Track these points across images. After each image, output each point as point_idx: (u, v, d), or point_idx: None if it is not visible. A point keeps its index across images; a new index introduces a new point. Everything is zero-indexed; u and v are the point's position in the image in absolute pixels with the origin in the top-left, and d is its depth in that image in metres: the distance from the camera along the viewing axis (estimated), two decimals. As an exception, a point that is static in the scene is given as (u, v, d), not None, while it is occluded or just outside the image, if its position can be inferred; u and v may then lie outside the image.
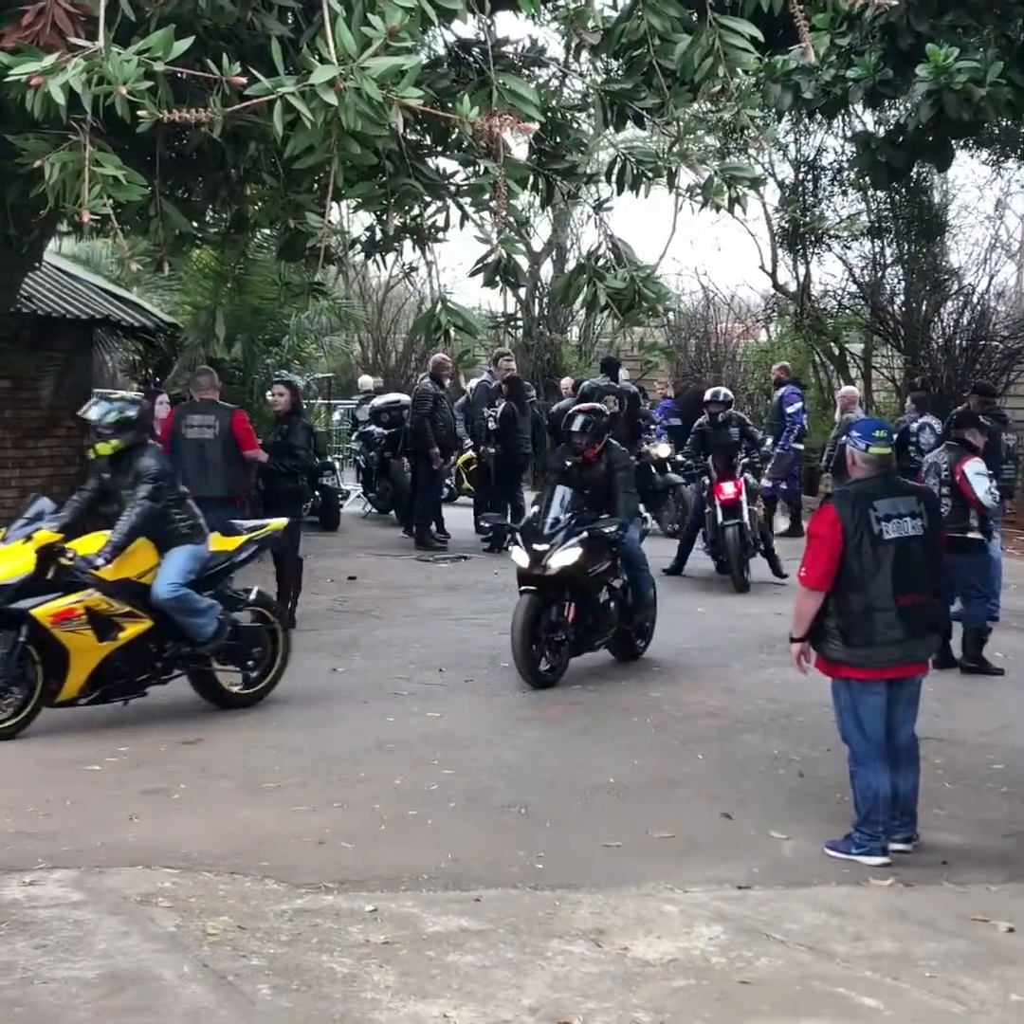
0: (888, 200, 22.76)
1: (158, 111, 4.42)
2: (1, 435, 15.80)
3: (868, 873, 7.17)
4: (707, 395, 16.72)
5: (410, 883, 6.85)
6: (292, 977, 5.58)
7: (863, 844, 7.35)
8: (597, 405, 13.15)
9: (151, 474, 9.45)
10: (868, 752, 7.40)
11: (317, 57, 4.52)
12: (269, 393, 13.60)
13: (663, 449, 18.77)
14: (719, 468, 15.55)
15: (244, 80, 4.51)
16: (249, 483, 12.71)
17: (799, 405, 19.79)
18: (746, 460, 15.92)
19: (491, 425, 18.37)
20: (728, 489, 15.33)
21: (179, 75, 4.52)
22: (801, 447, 19.32)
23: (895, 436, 7.86)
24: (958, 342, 23.14)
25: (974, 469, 11.81)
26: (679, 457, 17.41)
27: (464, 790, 8.35)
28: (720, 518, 15.21)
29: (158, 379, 17.13)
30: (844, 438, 7.83)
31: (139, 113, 4.39)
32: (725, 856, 7.45)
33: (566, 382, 22.23)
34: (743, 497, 15.36)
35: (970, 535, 11.86)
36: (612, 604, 11.64)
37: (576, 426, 11.67)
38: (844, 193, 22.93)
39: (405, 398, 20.29)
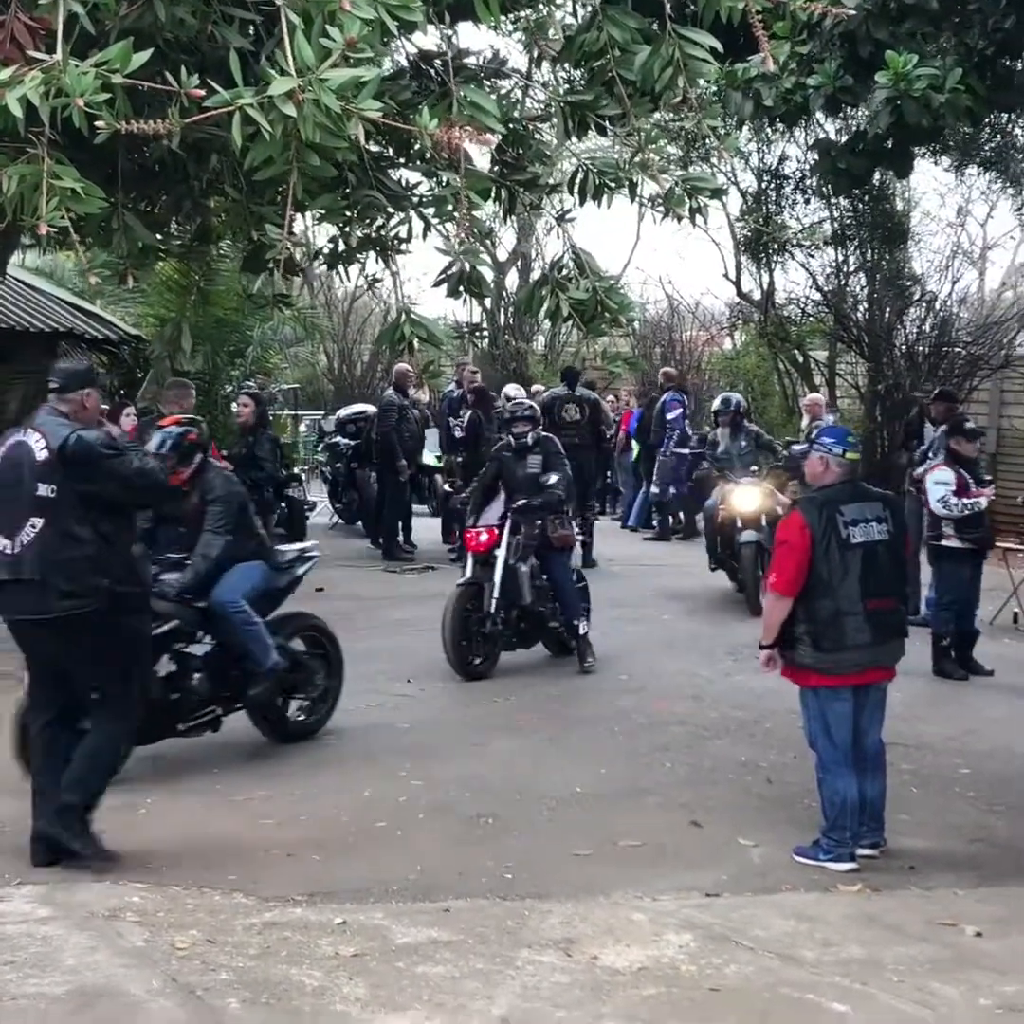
0: (851, 208, 22.85)
1: (115, 123, 4.41)
2: (-34, 449, 15.73)
3: (836, 879, 7.20)
4: (716, 403, 16.53)
5: (379, 895, 6.84)
6: (262, 990, 5.56)
7: (831, 850, 7.36)
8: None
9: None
10: (835, 758, 7.41)
11: (276, 69, 4.52)
12: (234, 405, 13.57)
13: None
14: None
15: (202, 92, 4.50)
16: None
17: (680, 411, 20.19)
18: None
19: (457, 434, 18.37)
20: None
21: (139, 87, 4.51)
22: (686, 452, 19.51)
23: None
24: (921, 349, 23.23)
25: (935, 477, 11.95)
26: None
27: (432, 801, 8.35)
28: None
29: (123, 391, 17.09)
30: (812, 446, 7.83)
31: (97, 124, 4.38)
32: (694, 864, 7.47)
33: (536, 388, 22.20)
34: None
35: (943, 543, 11.95)
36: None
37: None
38: (807, 201, 23.01)
39: (371, 409, 20.29)
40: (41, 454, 6.99)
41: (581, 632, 11.98)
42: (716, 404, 16.14)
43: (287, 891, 6.84)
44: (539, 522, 11.98)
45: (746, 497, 14.48)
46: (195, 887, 6.85)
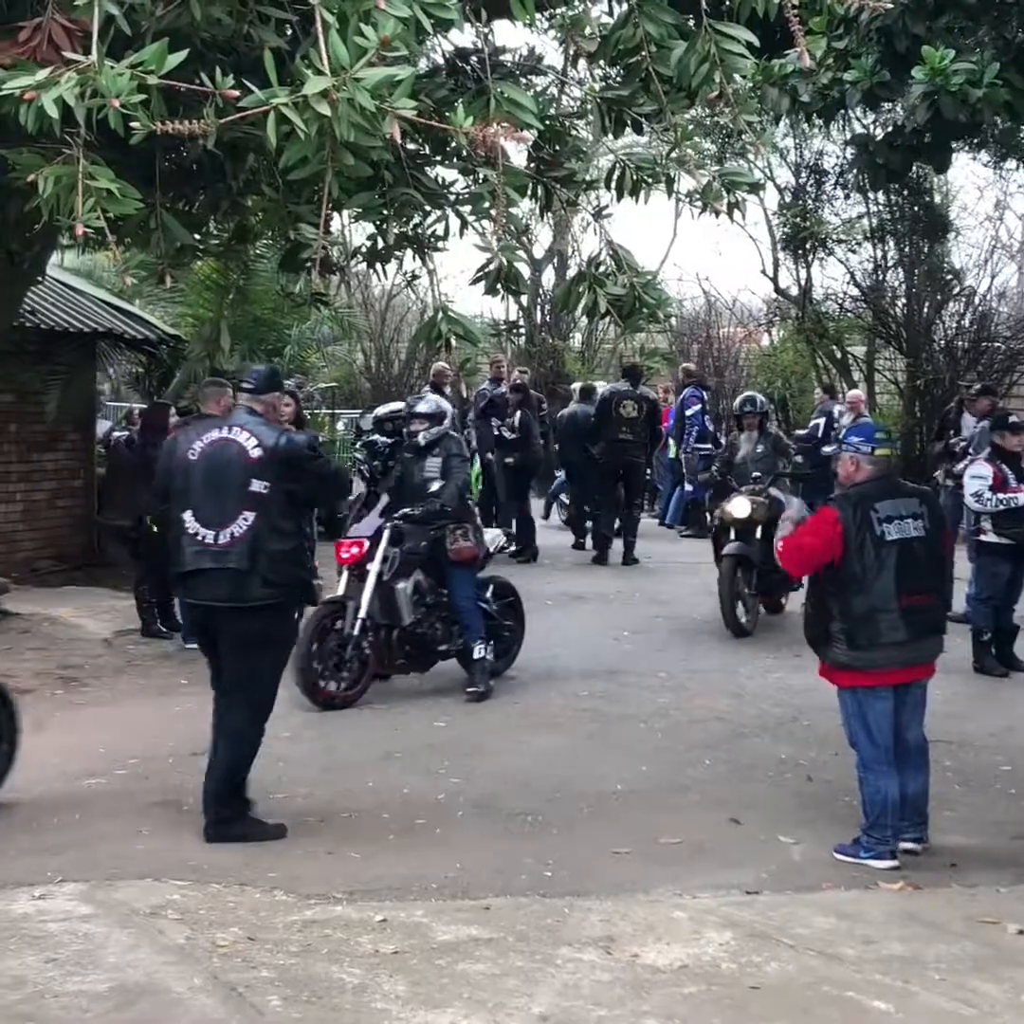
0: (889, 202, 22.76)
1: (151, 123, 4.42)
2: (5, 449, 15.85)
3: (877, 877, 7.16)
4: (737, 403, 16.27)
5: (419, 892, 6.84)
6: (302, 988, 5.57)
7: (872, 848, 7.33)
8: None
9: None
10: (876, 757, 7.37)
11: (311, 69, 4.52)
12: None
13: None
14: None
15: (237, 92, 4.51)
16: None
17: (698, 407, 20.17)
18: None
19: (507, 434, 18.24)
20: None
21: (174, 88, 4.52)
22: (707, 447, 19.51)
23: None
24: (960, 344, 23.13)
25: (972, 472, 11.91)
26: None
27: (472, 798, 8.35)
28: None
29: (163, 391, 17.16)
30: (841, 447, 7.80)
31: (132, 125, 4.40)
32: (733, 861, 7.44)
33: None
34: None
35: (982, 538, 11.91)
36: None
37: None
38: (846, 196, 22.93)
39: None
40: (255, 452, 7.51)
41: (476, 657, 10.87)
42: (737, 405, 15.16)
43: (327, 889, 6.84)
44: (433, 533, 10.90)
45: (739, 505, 13.64)
46: (236, 884, 6.87)
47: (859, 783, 7.49)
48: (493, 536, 11.95)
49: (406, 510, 10.89)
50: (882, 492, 7.46)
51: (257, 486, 7.47)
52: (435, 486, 10.99)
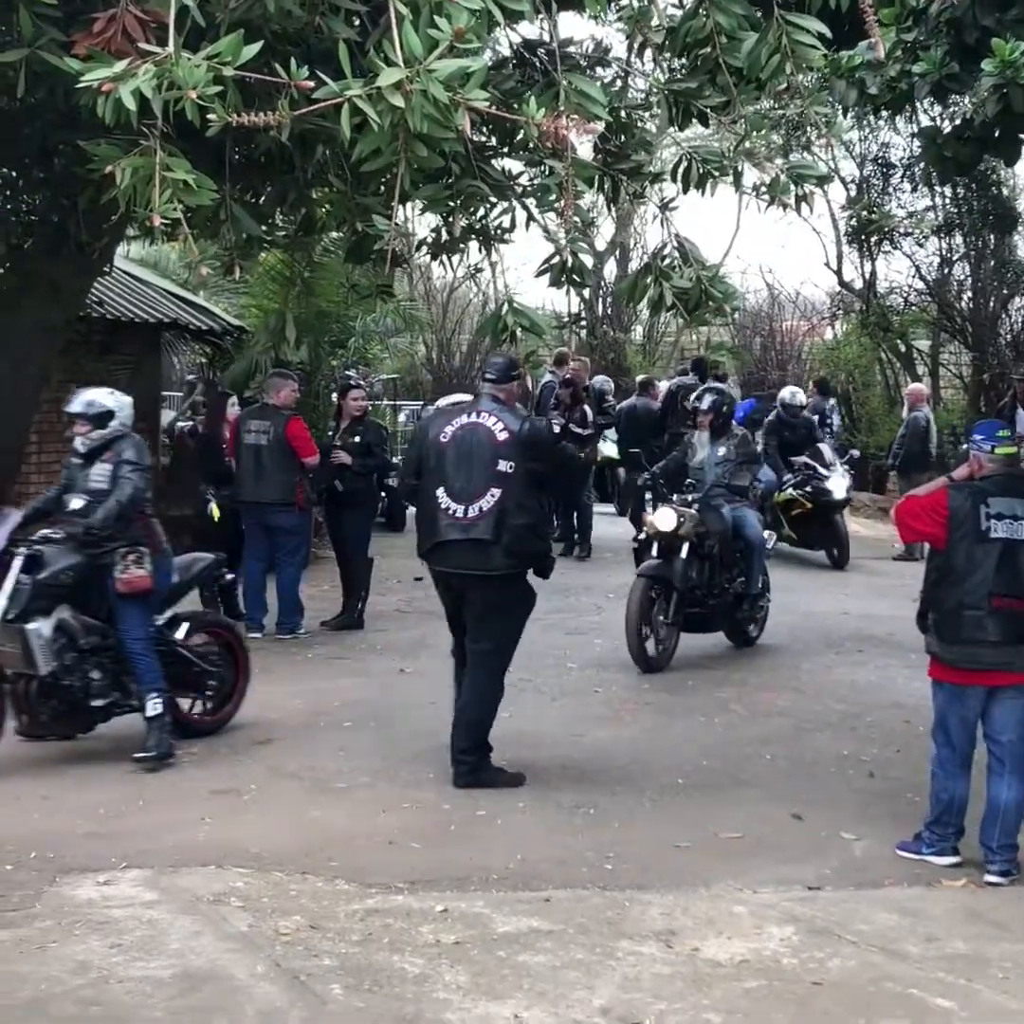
0: (954, 196, 22.60)
1: (227, 115, 4.44)
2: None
3: (940, 874, 7.12)
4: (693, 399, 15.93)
5: (480, 883, 6.85)
6: (364, 977, 5.60)
7: (933, 843, 7.28)
8: None
9: None
10: (949, 758, 7.27)
11: (383, 60, 4.53)
12: (348, 397, 13.60)
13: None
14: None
15: (311, 83, 4.52)
16: (310, 489, 12.73)
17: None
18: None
19: (575, 429, 18.11)
20: None
21: (247, 80, 4.54)
22: None
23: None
24: (1027, 338, 22.97)
25: None
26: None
27: (532, 790, 8.35)
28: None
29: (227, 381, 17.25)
30: (966, 445, 7.67)
31: (209, 117, 4.42)
32: (794, 857, 7.42)
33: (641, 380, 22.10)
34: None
35: None
36: None
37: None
38: (914, 189, 22.77)
39: (469, 399, 20.28)
40: (501, 435, 8.29)
41: (148, 713, 8.62)
42: (692, 401, 13.34)
43: (389, 878, 6.87)
44: (97, 559, 8.62)
45: (664, 517, 11.73)
46: (297, 873, 6.90)
47: (930, 777, 7.40)
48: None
49: (46, 531, 8.74)
50: (999, 487, 7.23)
51: (503, 466, 8.22)
52: (76, 504, 8.79)
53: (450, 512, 8.30)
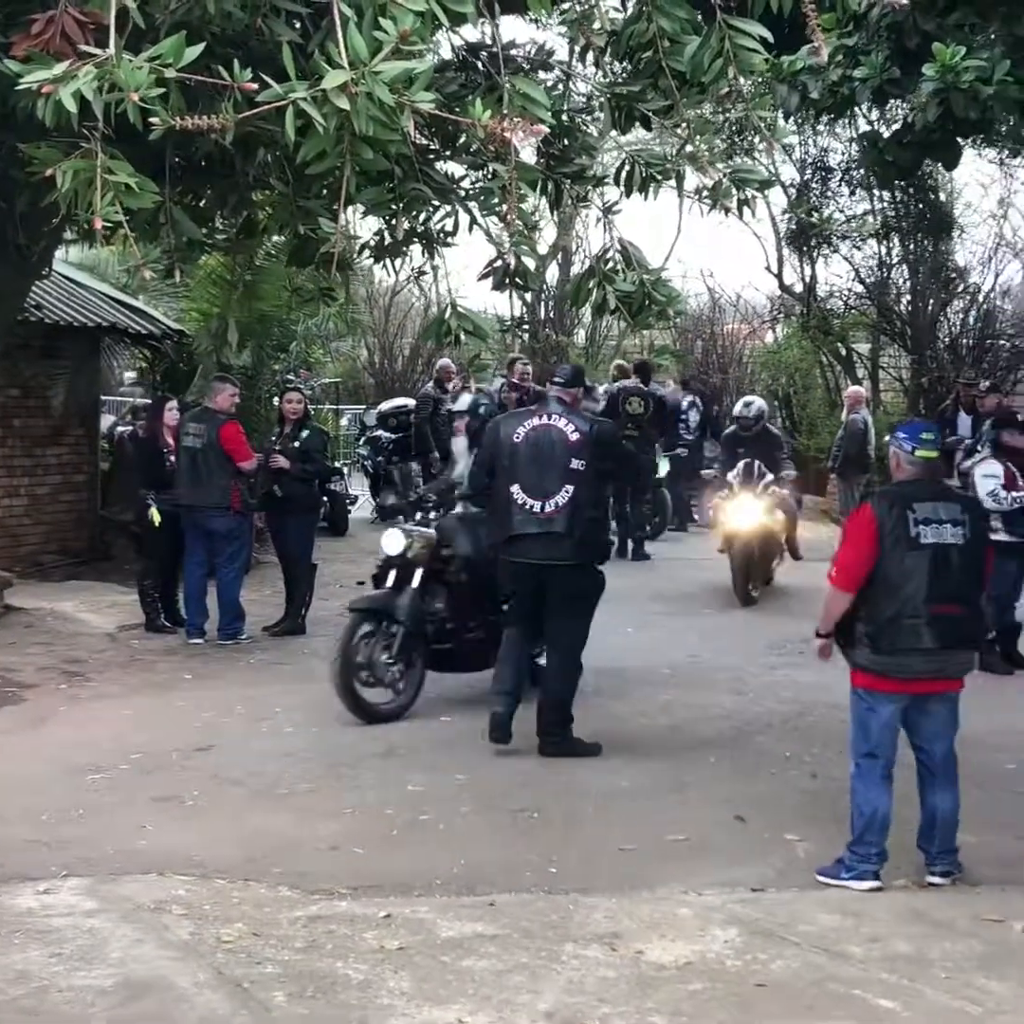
0: (893, 200, 22.76)
1: (170, 118, 4.41)
2: (10, 443, 15.87)
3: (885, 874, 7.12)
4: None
5: (424, 888, 6.84)
6: (307, 984, 5.57)
7: (853, 866, 7.06)
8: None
9: None
10: (872, 769, 7.11)
11: (327, 62, 4.51)
12: (286, 400, 13.58)
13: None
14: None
15: (255, 86, 4.50)
16: (246, 493, 12.66)
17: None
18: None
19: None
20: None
21: (190, 82, 4.51)
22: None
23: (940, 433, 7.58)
24: (965, 341, 23.12)
25: (983, 470, 11.85)
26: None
27: (476, 794, 8.34)
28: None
29: (166, 385, 17.15)
30: (888, 438, 7.60)
31: (151, 120, 4.38)
32: (739, 858, 7.43)
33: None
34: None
35: (993, 537, 11.83)
36: None
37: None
38: (852, 193, 22.92)
39: (411, 403, 20.35)
40: (573, 436, 9.03)
41: None
42: (447, 402, 12.80)
43: (332, 884, 6.85)
44: None
45: (391, 540, 10.34)
46: (240, 880, 6.87)
47: (851, 793, 7.22)
48: None
49: None
50: (923, 493, 7.13)
51: (576, 464, 8.98)
52: None
53: (526, 507, 9.02)
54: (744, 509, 14.61)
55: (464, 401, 11.80)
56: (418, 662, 10.13)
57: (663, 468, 18.95)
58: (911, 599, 6.97)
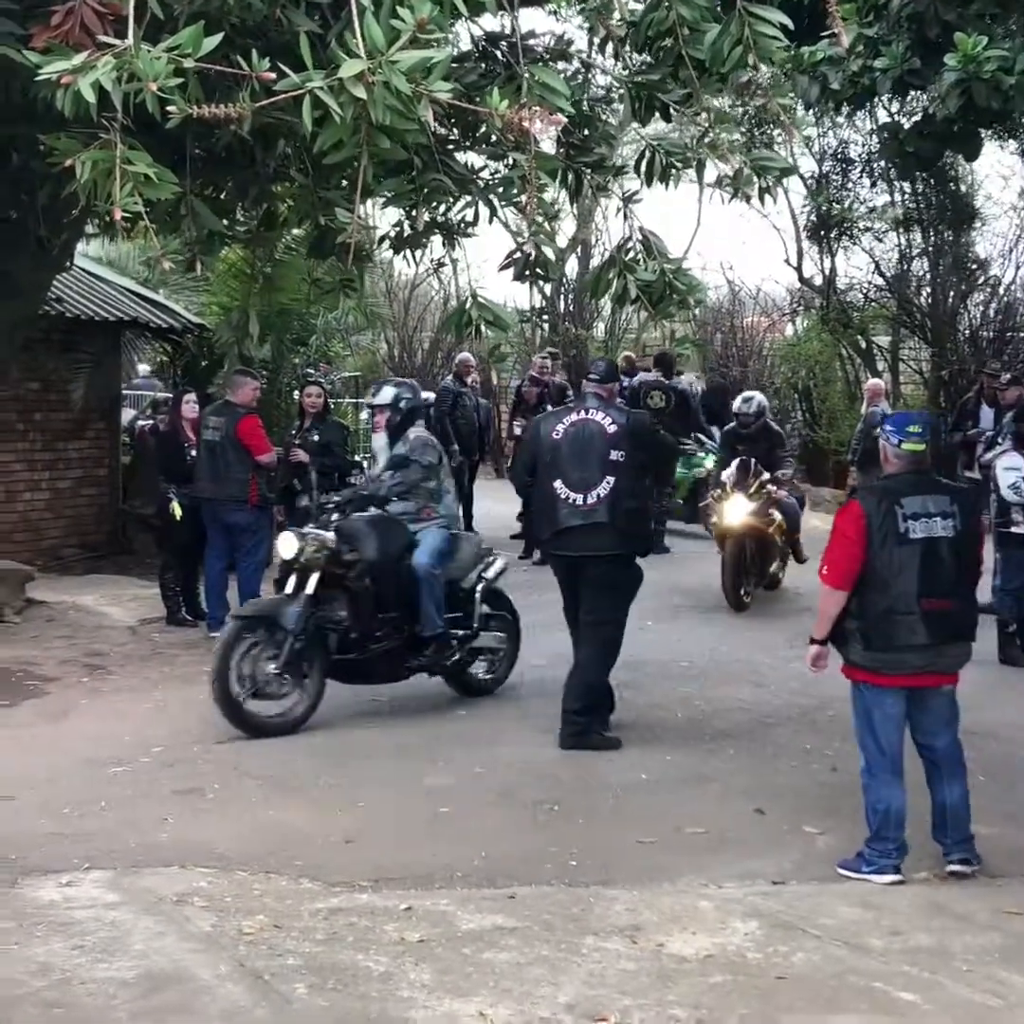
0: (913, 191, 22.68)
1: (187, 107, 4.40)
2: (31, 437, 15.90)
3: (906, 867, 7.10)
4: (736, 403, 15.93)
5: (444, 881, 6.84)
6: (328, 976, 5.57)
7: (873, 861, 7.06)
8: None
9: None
10: (881, 764, 7.09)
11: (345, 52, 4.50)
12: (305, 394, 13.62)
13: None
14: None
15: (273, 76, 4.49)
16: (265, 486, 12.67)
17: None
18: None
19: (517, 432, 18.01)
20: None
21: (208, 72, 4.50)
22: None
23: (929, 428, 7.51)
24: (985, 333, 23.04)
25: (1005, 463, 11.82)
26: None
27: (495, 788, 8.34)
28: None
29: (186, 379, 17.15)
30: (878, 431, 7.54)
31: (169, 109, 4.38)
32: (758, 851, 7.42)
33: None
34: None
35: (1012, 530, 11.83)
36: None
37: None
38: (873, 185, 22.83)
39: (432, 397, 20.33)
40: (611, 429, 9.30)
41: None
42: (369, 394, 11.83)
43: (352, 877, 6.85)
44: None
45: (285, 543, 9.82)
46: (261, 873, 6.88)
47: (863, 790, 7.21)
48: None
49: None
50: (910, 486, 7.10)
51: (615, 455, 9.21)
52: None
53: (569, 501, 9.23)
54: (736, 508, 13.96)
55: (385, 394, 10.66)
56: (314, 672, 9.56)
57: (708, 463, 17.73)
58: (902, 594, 6.94)
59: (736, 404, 15.32)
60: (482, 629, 10.54)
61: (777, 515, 14.39)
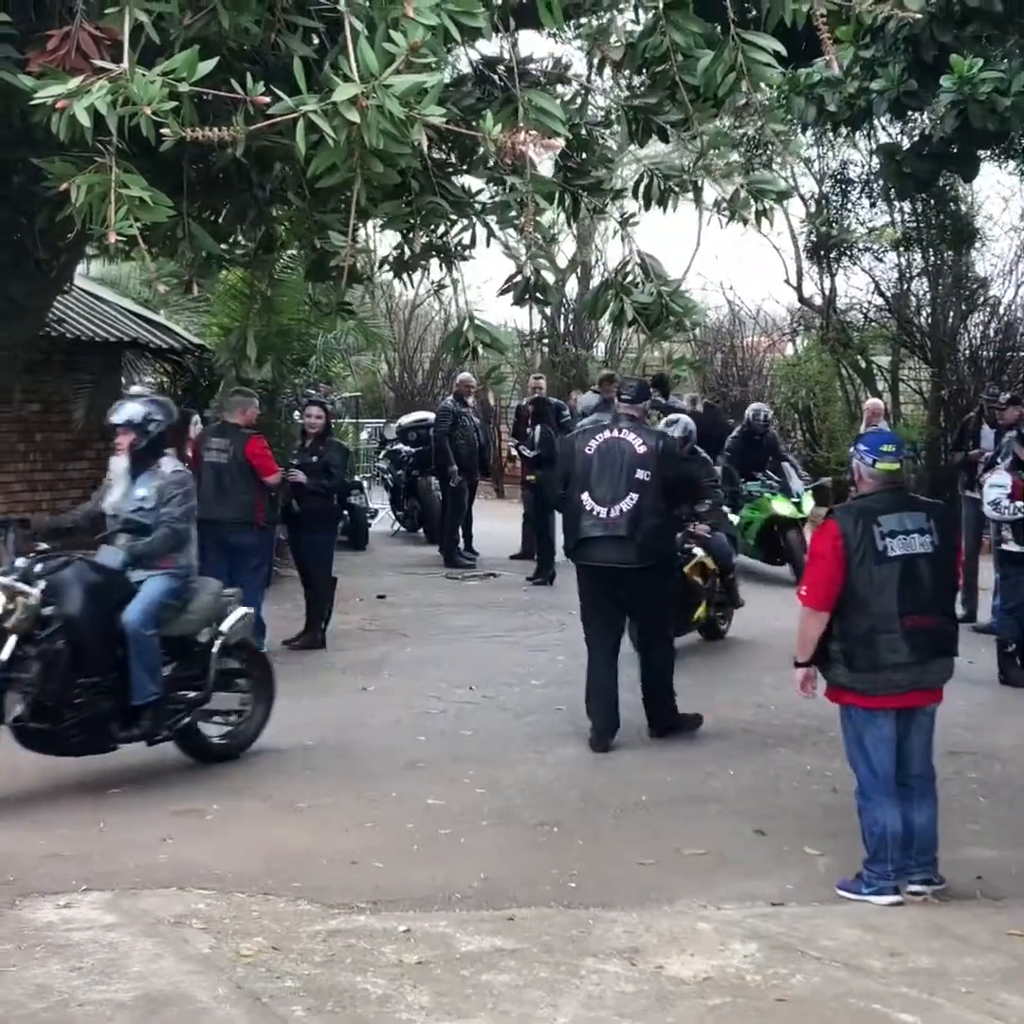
0: (913, 212, 22.70)
1: (182, 130, 4.42)
2: (32, 458, 15.91)
3: (904, 887, 7.08)
4: (748, 411, 16.06)
5: (443, 903, 6.83)
6: (326, 998, 5.57)
7: (872, 882, 7.03)
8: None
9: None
10: (874, 786, 7.06)
11: (340, 76, 4.52)
12: (306, 414, 13.66)
13: None
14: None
15: (267, 99, 4.50)
16: (270, 508, 12.69)
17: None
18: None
19: (526, 452, 17.97)
20: None
21: (205, 96, 4.53)
22: None
23: (902, 447, 7.51)
24: (985, 353, 23.04)
25: (992, 480, 11.86)
26: None
27: (496, 809, 8.34)
28: None
29: (189, 400, 17.17)
30: (851, 451, 7.52)
31: (163, 132, 4.40)
32: (758, 872, 7.42)
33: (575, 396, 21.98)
34: None
35: (1003, 547, 11.84)
36: None
37: None
38: (872, 205, 22.85)
39: (432, 417, 20.39)
40: (640, 448, 9.74)
41: None
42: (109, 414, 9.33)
43: (351, 898, 6.84)
44: None
45: None
46: (260, 894, 6.87)
47: (858, 812, 7.18)
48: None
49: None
50: (887, 504, 7.06)
51: (641, 474, 9.65)
52: None
53: (594, 513, 9.68)
54: None
55: (128, 411, 9.08)
56: None
57: (777, 504, 16.74)
58: (883, 613, 6.92)
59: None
60: (221, 688, 9.19)
61: (698, 551, 12.54)
